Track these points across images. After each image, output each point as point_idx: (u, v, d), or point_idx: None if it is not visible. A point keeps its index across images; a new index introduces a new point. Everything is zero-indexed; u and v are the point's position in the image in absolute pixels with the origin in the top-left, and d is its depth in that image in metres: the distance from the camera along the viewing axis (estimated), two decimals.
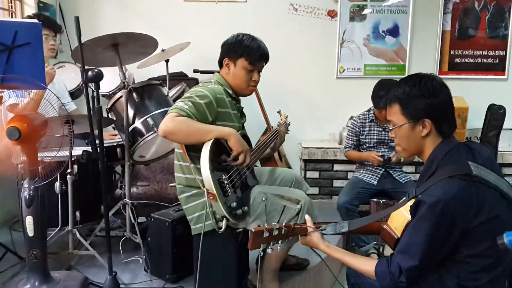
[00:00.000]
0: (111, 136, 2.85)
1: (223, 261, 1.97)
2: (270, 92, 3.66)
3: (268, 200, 1.87)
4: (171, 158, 2.49)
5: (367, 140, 2.93)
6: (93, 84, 1.86)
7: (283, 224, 1.46)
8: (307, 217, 1.56)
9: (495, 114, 3.61)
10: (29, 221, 1.84)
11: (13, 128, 1.63)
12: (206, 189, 1.68)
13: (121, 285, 2.05)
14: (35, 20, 1.80)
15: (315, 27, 3.93)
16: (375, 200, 2.81)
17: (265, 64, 2.02)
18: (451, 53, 3.97)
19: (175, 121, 1.71)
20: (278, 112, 2.64)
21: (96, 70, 1.84)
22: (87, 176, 2.39)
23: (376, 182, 2.91)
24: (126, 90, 2.31)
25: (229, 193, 1.73)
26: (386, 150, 2.90)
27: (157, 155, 2.57)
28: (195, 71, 3.52)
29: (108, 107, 2.43)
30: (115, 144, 2.53)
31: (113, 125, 2.48)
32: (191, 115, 1.74)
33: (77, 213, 2.28)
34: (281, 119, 2.51)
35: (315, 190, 3.80)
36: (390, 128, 1.46)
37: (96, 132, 1.89)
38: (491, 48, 3.96)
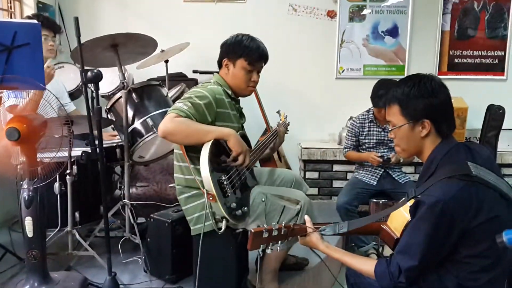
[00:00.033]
0: (111, 137, 2.85)
1: (223, 261, 1.97)
2: (269, 92, 3.65)
3: (268, 200, 1.87)
4: (170, 159, 2.49)
5: (366, 141, 2.93)
6: (92, 84, 1.87)
7: (283, 224, 1.46)
8: (306, 217, 1.56)
9: (494, 115, 3.61)
10: (28, 221, 1.84)
11: (13, 128, 1.63)
12: (206, 190, 1.68)
13: (121, 286, 2.05)
14: (35, 21, 1.80)
15: (315, 28, 3.93)
16: (374, 200, 2.80)
17: (265, 64, 2.02)
18: (451, 54, 3.97)
19: (175, 121, 1.71)
20: (277, 112, 2.64)
21: (95, 71, 1.84)
22: (87, 176, 2.39)
23: (375, 183, 2.91)
24: (126, 91, 2.31)
25: (229, 194, 1.73)
26: (385, 150, 2.90)
27: (157, 155, 2.57)
28: (195, 71, 3.52)
29: (108, 107, 2.43)
30: (114, 144, 2.53)
31: (112, 125, 2.48)
32: (190, 116, 1.74)
33: (77, 214, 2.29)
34: (280, 119, 2.51)
35: (314, 191, 3.80)
36: (390, 129, 1.46)
37: (95, 132, 1.89)
38: (490, 49, 3.96)
